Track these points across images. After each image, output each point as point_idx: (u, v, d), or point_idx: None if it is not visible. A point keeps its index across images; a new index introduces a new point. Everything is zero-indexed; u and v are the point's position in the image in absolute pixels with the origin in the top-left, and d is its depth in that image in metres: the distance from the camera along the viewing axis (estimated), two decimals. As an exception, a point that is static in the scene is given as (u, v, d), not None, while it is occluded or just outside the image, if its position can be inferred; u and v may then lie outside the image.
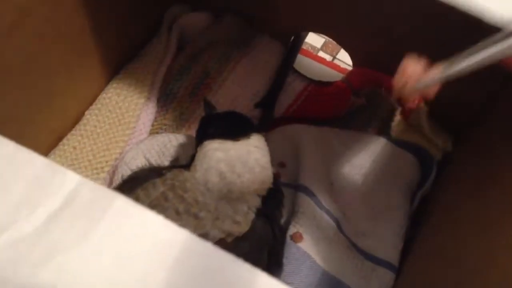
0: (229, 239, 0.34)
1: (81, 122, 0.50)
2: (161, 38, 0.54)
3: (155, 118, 0.51)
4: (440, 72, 0.30)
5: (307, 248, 0.43)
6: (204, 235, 0.34)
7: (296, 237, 0.43)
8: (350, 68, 0.55)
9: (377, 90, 0.53)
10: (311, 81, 0.53)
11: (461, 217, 0.38)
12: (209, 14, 0.56)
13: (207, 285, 0.16)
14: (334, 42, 0.54)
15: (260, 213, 0.37)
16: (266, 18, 0.54)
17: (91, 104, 0.51)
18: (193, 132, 0.51)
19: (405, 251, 0.45)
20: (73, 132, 0.49)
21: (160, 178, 0.37)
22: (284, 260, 0.42)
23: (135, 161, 0.46)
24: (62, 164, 0.48)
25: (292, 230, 0.44)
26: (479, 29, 0.26)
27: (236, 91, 0.52)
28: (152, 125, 0.51)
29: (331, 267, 0.43)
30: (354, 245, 0.45)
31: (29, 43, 0.39)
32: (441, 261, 0.37)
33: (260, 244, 0.37)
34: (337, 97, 0.52)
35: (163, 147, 0.48)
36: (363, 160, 0.49)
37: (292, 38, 0.55)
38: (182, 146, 0.48)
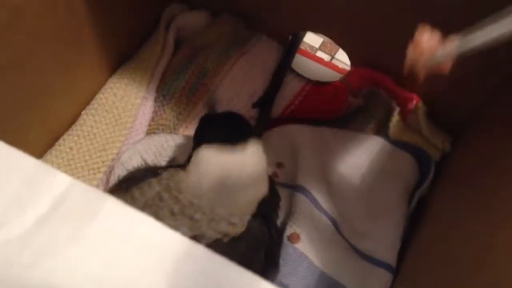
0: (225, 239, 0.34)
1: (77, 122, 0.50)
2: (159, 37, 0.54)
3: (152, 118, 0.51)
4: (456, 45, 0.28)
5: (304, 249, 0.43)
6: (200, 236, 0.33)
7: (293, 238, 0.43)
8: (348, 68, 0.54)
9: (376, 90, 0.53)
10: (309, 81, 0.53)
11: (459, 218, 0.38)
12: (207, 14, 0.56)
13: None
14: (333, 42, 0.54)
15: (256, 214, 0.36)
16: (264, 18, 0.54)
17: (87, 104, 0.51)
18: (190, 132, 0.51)
19: (403, 252, 0.44)
20: (69, 132, 0.49)
21: (155, 177, 0.37)
22: (281, 261, 0.42)
23: (132, 161, 0.46)
24: (59, 164, 0.48)
25: (289, 230, 0.43)
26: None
27: (234, 91, 0.52)
28: (149, 125, 0.51)
29: (328, 268, 0.43)
30: (351, 246, 0.45)
31: (24, 42, 0.39)
32: (439, 261, 0.36)
33: (257, 244, 0.36)
34: (335, 98, 0.52)
35: (160, 147, 0.48)
36: (361, 161, 0.49)
37: (290, 37, 0.55)
38: (179, 146, 0.48)
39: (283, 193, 0.46)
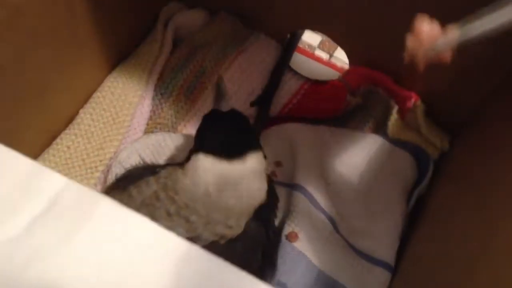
0: (222, 241, 0.34)
1: (75, 121, 0.49)
2: (157, 36, 0.53)
3: (150, 116, 0.51)
4: (456, 34, 0.28)
5: (302, 247, 0.43)
6: (196, 238, 0.33)
7: (292, 237, 0.43)
8: (347, 67, 0.54)
9: (374, 89, 0.52)
10: (307, 79, 0.52)
11: (458, 217, 0.38)
12: (204, 12, 0.56)
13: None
14: (331, 41, 0.54)
15: (254, 217, 0.36)
16: (262, 16, 0.54)
17: (85, 102, 0.50)
18: (188, 131, 0.51)
19: (402, 251, 0.44)
20: (67, 131, 0.49)
21: (153, 176, 0.37)
22: (279, 260, 0.42)
23: (129, 160, 0.46)
24: (56, 163, 0.47)
25: (287, 229, 0.43)
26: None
27: (232, 89, 0.52)
28: (147, 124, 0.51)
29: (326, 267, 0.43)
30: (350, 245, 0.45)
31: (21, 41, 0.39)
32: (437, 260, 0.36)
33: (254, 246, 0.36)
34: (333, 96, 0.52)
35: (157, 146, 0.48)
36: (359, 160, 0.49)
37: (288, 36, 0.54)
38: (177, 145, 0.48)
39: (281, 192, 0.46)
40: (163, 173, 0.37)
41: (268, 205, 0.38)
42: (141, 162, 0.43)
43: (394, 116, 0.51)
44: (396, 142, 0.49)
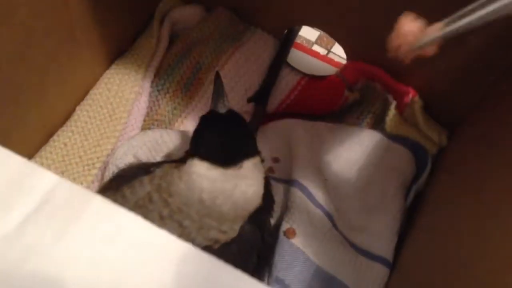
0: (216, 246, 0.34)
1: (71, 118, 0.49)
2: (153, 32, 0.53)
3: (147, 113, 0.51)
4: (438, 31, 0.29)
5: (300, 244, 0.43)
6: (189, 242, 0.33)
7: (289, 233, 0.43)
8: (344, 62, 0.54)
9: (372, 84, 0.52)
10: (304, 75, 0.52)
11: (456, 212, 0.38)
12: (201, 8, 0.55)
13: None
14: (329, 36, 0.54)
15: (248, 220, 0.36)
16: (259, 12, 0.54)
17: (81, 99, 0.50)
18: (185, 127, 0.51)
19: (400, 247, 0.44)
20: (63, 128, 0.49)
21: (148, 175, 0.36)
22: (277, 257, 0.42)
23: (127, 157, 0.46)
24: (53, 161, 0.47)
25: (285, 226, 0.43)
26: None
27: (229, 85, 0.51)
28: (144, 121, 0.51)
29: (325, 263, 0.43)
30: (348, 241, 0.45)
31: (17, 38, 0.39)
32: (435, 256, 0.36)
33: (249, 248, 0.36)
34: (331, 92, 0.51)
35: (154, 143, 0.47)
36: (357, 155, 0.49)
37: (286, 31, 0.54)
38: (174, 141, 0.48)
39: (279, 188, 0.46)
40: (157, 172, 0.37)
41: (263, 208, 0.37)
42: (135, 161, 0.43)
43: (392, 111, 0.51)
44: (394, 137, 0.49)
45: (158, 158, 0.47)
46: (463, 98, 0.47)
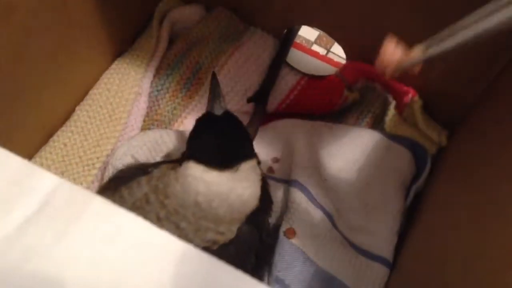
0: (214, 247, 0.34)
1: (71, 118, 0.49)
2: (152, 32, 0.53)
3: (147, 113, 0.51)
4: (420, 53, 0.31)
5: (300, 244, 0.43)
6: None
7: (289, 233, 0.43)
8: (344, 62, 0.54)
9: (371, 84, 0.52)
10: (304, 75, 0.52)
11: (456, 212, 0.38)
12: (200, 8, 0.55)
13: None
14: (328, 36, 0.54)
15: (246, 221, 0.36)
16: (258, 11, 0.54)
17: (81, 100, 0.50)
18: (185, 127, 0.51)
19: (400, 246, 0.44)
20: (63, 128, 0.49)
21: (146, 176, 0.36)
22: (277, 256, 0.42)
23: (126, 157, 0.46)
24: (53, 161, 0.47)
25: (285, 226, 0.43)
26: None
27: (229, 85, 0.51)
28: (144, 121, 0.51)
29: (324, 263, 0.43)
30: (348, 241, 0.45)
31: (15, 38, 0.39)
32: (436, 256, 0.36)
33: (246, 249, 0.36)
34: (330, 92, 0.51)
35: (154, 143, 0.47)
36: (357, 155, 0.49)
37: (285, 31, 0.54)
38: (174, 142, 0.48)
39: (279, 188, 0.46)
40: (155, 173, 0.37)
41: (261, 209, 0.37)
42: (133, 162, 0.43)
43: (391, 111, 0.51)
44: (393, 137, 0.49)
45: (158, 158, 0.47)
46: (463, 97, 0.47)
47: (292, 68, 0.53)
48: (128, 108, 0.50)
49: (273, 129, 0.50)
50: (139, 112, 0.50)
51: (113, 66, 0.52)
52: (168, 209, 0.34)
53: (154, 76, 0.52)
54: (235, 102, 0.51)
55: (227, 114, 0.39)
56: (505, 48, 0.41)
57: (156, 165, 0.39)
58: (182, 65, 0.52)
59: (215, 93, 0.39)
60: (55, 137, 0.48)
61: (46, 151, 0.48)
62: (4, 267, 0.15)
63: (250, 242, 0.36)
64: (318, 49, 0.58)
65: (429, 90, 0.50)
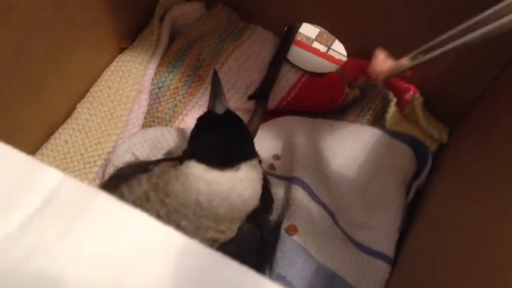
0: (215, 246, 0.34)
1: (72, 116, 0.49)
2: (153, 29, 0.53)
3: (148, 110, 0.51)
4: (408, 63, 0.34)
5: (301, 241, 0.43)
6: None
7: (291, 230, 0.43)
8: (344, 59, 0.54)
9: (372, 81, 0.52)
10: (305, 72, 0.52)
11: (457, 209, 0.38)
12: (201, 5, 0.55)
13: (195, 286, 0.15)
14: (329, 33, 0.54)
15: (247, 220, 0.36)
16: (259, 9, 0.54)
17: (82, 97, 0.50)
18: (186, 125, 0.51)
19: (401, 243, 0.44)
20: (64, 125, 0.49)
21: (146, 174, 0.36)
22: (279, 253, 0.42)
23: (128, 155, 0.46)
24: (54, 158, 0.47)
25: (286, 223, 0.43)
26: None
27: (230, 82, 0.51)
28: (145, 118, 0.51)
29: (326, 260, 0.43)
30: (349, 238, 0.45)
31: (15, 36, 0.39)
32: (437, 252, 0.36)
33: (247, 247, 0.36)
34: (331, 89, 0.51)
35: (155, 140, 0.47)
36: (358, 152, 0.49)
37: (286, 28, 0.54)
38: (175, 139, 0.48)
39: (280, 185, 0.46)
40: (156, 170, 0.37)
41: (261, 208, 0.37)
42: (134, 159, 0.43)
43: (392, 108, 0.51)
44: (394, 134, 0.49)
45: (159, 155, 0.47)
46: (464, 95, 0.47)
47: (293, 65, 0.53)
48: (129, 105, 0.50)
49: (274, 126, 0.50)
50: (140, 110, 0.50)
51: (114, 63, 0.52)
52: (168, 208, 0.34)
53: (155, 74, 0.52)
54: (236, 100, 0.51)
55: (228, 113, 0.39)
56: (505, 48, 0.41)
57: (157, 162, 0.39)
58: (183, 63, 0.52)
59: (216, 91, 0.39)
60: (56, 135, 0.48)
61: (47, 149, 0.48)
62: (8, 264, 0.15)
63: (251, 240, 0.36)
64: (318, 46, 0.58)
65: (429, 90, 0.50)
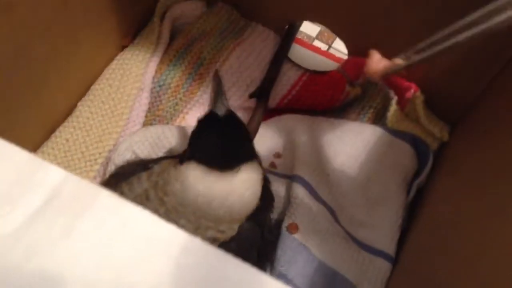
0: (215, 245, 0.34)
1: (73, 114, 0.49)
2: (154, 28, 0.53)
3: (149, 109, 0.51)
4: (402, 62, 0.35)
5: (302, 239, 0.43)
6: None
7: (292, 228, 0.43)
8: (345, 57, 0.54)
9: (373, 79, 0.52)
10: (306, 70, 0.52)
11: (458, 207, 0.38)
12: (201, 3, 0.55)
13: (197, 283, 0.15)
14: (330, 31, 0.54)
15: (247, 219, 0.36)
16: (259, 7, 0.54)
17: (83, 95, 0.50)
18: (187, 123, 0.51)
19: (402, 241, 0.44)
20: (65, 124, 0.49)
21: (146, 172, 0.36)
22: (280, 251, 0.42)
23: (128, 153, 0.46)
24: (55, 156, 0.47)
25: (287, 221, 0.43)
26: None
27: (230, 81, 0.51)
28: (146, 116, 0.50)
29: (327, 258, 0.43)
30: (350, 236, 0.45)
31: (16, 36, 0.39)
32: (438, 250, 0.36)
33: (248, 246, 0.36)
34: (332, 87, 0.51)
35: (156, 138, 0.47)
36: (359, 150, 0.49)
37: (287, 27, 0.54)
38: (175, 137, 0.48)
39: (281, 183, 0.46)
40: (156, 168, 0.36)
41: (261, 207, 0.37)
42: (134, 157, 0.43)
43: (393, 106, 0.51)
44: (395, 133, 0.49)
45: (160, 153, 0.47)
46: (464, 94, 0.47)
47: (294, 63, 0.53)
48: (130, 103, 0.50)
49: (275, 125, 0.50)
50: (141, 108, 0.50)
51: (115, 62, 0.52)
52: (167, 207, 0.34)
53: (156, 72, 0.52)
54: (237, 98, 0.51)
55: (229, 114, 0.39)
56: (505, 47, 0.41)
57: (157, 160, 0.39)
58: (184, 61, 0.52)
59: (217, 91, 0.39)
60: (57, 133, 0.48)
61: (48, 147, 0.48)
62: (11, 262, 0.15)
63: (252, 239, 0.36)
64: (319, 44, 0.58)
65: (430, 89, 0.50)
